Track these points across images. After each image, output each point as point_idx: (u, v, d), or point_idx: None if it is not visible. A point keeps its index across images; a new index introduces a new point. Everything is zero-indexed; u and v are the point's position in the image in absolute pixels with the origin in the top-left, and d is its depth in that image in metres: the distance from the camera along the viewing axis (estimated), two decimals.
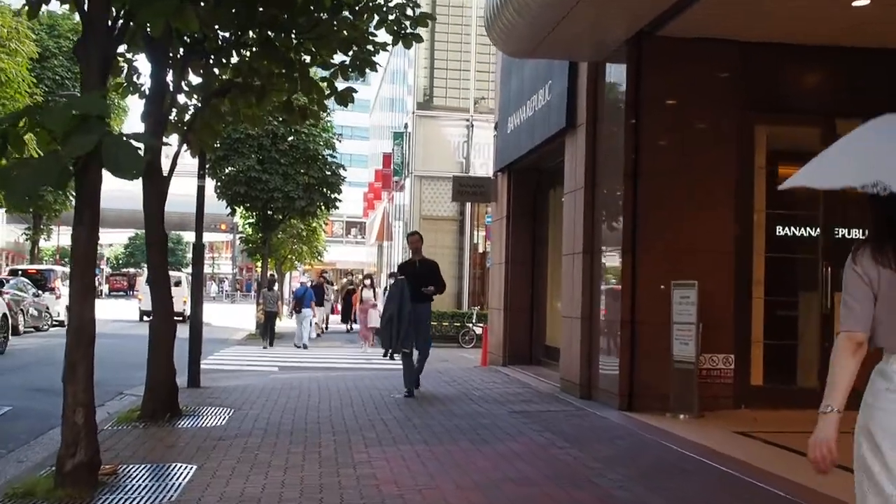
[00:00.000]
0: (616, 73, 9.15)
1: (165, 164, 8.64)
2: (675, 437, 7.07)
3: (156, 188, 8.37)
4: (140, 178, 8.52)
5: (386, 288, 17.33)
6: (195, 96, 9.39)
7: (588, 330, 9.48)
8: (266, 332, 21.32)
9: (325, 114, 25.28)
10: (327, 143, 25.31)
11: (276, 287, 23.76)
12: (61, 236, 76.25)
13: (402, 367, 10.17)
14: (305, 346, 20.84)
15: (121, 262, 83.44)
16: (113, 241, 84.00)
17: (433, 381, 11.91)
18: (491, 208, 17.51)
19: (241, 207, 25.93)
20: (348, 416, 8.44)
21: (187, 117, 9.27)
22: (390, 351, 9.92)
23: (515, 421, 8.01)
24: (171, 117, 9.18)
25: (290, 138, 24.22)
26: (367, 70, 9.20)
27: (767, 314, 8.92)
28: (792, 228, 9.09)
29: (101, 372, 13.21)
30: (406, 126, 26.06)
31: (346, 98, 9.11)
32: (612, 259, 9.00)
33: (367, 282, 21.50)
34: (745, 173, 8.83)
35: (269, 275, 25.59)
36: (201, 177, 11.30)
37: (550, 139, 10.88)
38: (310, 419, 8.24)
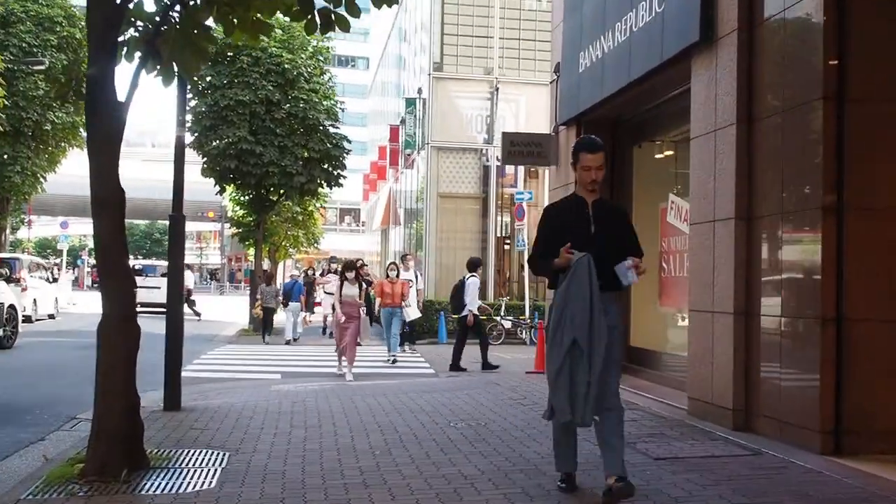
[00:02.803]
0: None
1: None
2: None
3: (104, 120, 5.39)
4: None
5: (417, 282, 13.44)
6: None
7: (744, 331, 6.51)
8: (266, 327, 19.94)
9: (326, 72, 22.37)
10: (329, 111, 22.05)
11: (274, 283, 21.81)
12: (41, 228, 72.84)
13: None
14: (296, 340, 19.45)
15: None
16: None
17: (492, 395, 8.98)
18: (548, 177, 14.48)
19: (232, 186, 22.69)
20: (405, 466, 5.47)
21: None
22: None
23: (676, 478, 5.03)
24: (133, 31, 6.24)
25: (287, 106, 21.06)
26: None
27: None
28: None
29: (60, 386, 10.40)
30: (420, 91, 22.80)
31: None
32: (795, 225, 6.02)
33: (350, 275, 12.99)
34: None
35: (259, 269, 23.11)
36: (181, 123, 8.25)
37: (664, 66, 7.84)
38: (348, 474, 5.26)
